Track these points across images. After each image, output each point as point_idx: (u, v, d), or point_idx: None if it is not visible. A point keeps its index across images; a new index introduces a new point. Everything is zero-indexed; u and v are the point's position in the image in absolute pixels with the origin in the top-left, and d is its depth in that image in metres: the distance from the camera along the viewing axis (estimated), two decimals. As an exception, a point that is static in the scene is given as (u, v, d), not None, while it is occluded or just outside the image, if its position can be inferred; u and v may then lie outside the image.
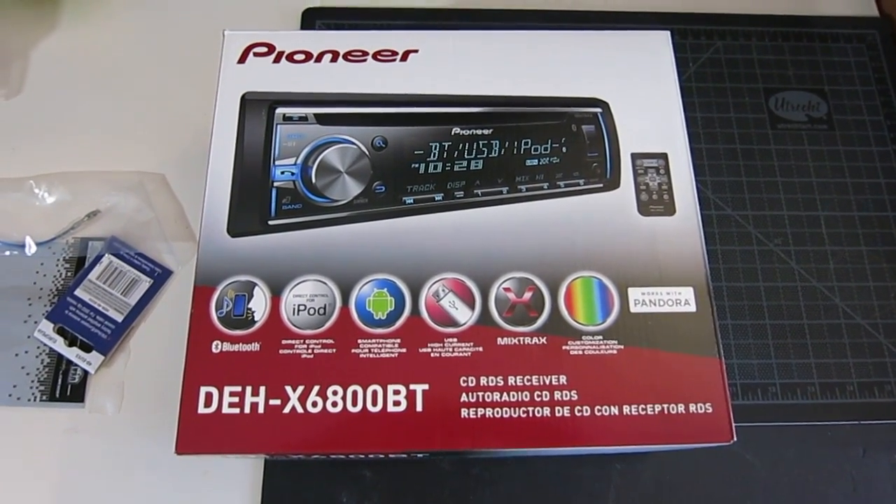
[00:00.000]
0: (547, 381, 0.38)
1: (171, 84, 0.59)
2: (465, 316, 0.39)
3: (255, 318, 0.39)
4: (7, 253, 0.52)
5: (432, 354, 0.38)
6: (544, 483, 0.48)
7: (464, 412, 0.38)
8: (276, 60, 0.44)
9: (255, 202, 0.41)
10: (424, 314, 0.39)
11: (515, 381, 0.38)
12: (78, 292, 0.51)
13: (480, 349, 0.39)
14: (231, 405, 0.37)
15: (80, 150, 0.56)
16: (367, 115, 0.43)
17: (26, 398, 0.49)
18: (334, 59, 0.45)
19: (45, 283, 0.52)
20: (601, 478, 0.48)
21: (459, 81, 0.44)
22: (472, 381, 0.38)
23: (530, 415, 0.38)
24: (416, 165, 0.42)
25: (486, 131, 0.43)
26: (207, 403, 0.37)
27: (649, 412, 0.38)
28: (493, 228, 0.41)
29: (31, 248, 0.52)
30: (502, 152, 0.43)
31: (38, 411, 0.49)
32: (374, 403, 0.38)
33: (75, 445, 0.48)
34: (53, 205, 0.54)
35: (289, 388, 0.38)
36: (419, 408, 0.38)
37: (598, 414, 0.38)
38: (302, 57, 0.44)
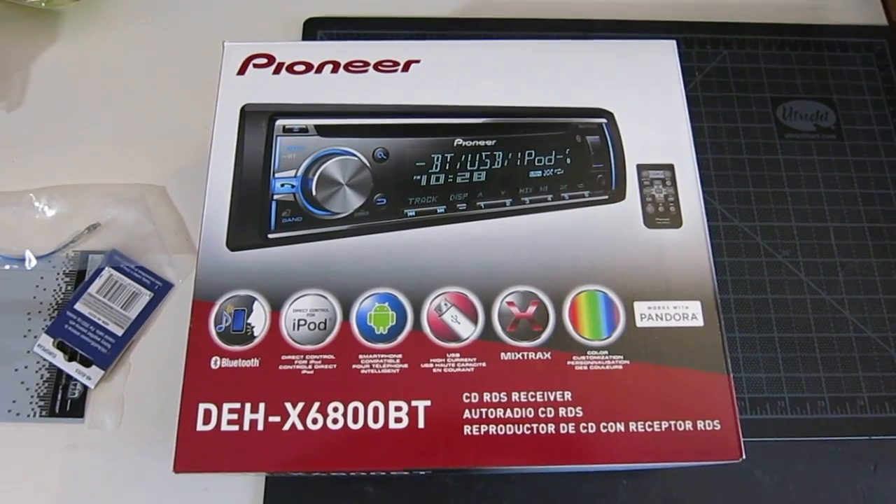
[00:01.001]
0: (551, 397, 0.38)
1: (172, 96, 0.59)
2: (467, 330, 0.39)
3: (255, 334, 0.38)
4: (7, 267, 0.52)
5: (434, 370, 0.38)
6: (550, 499, 0.47)
7: (467, 429, 0.37)
8: (276, 71, 0.44)
9: (254, 215, 0.41)
10: (426, 329, 0.39)
11: (519, 397, 0.38)
12: (78, 306, 0.50)
13: (483, 364, 0.38)
14: (230, 422, 0.37)
15: (80, 162, 0.56)
16: (368, 126, 0.43)
17: (26, 413, 0.48)
18: (335, 70, 0.44)
19: (45, 297, 0.51)
20: (607, 494, 0.47)
21: (462, 92, 0.44)
22: (475, 397, 0.37)
23: (534, 431, 0.37)
24: (418, 177, 0.42)
25: (489, 142, 0.43)
26: (206, 420, 0.37)
27: (656, 429, 0.37)
28: (497, 241, 0.41)
29: (30, 262, 0.52)
30: (505, 164, 0.43)
31: (37, 427, 0.48)
32: (376, 420, 0.37)
33: (75, 461, 0.48)
34: (53, 218, 0.54)
35: (289, 405, 0.37)
36: (421, 424, 0.37)
37: (604, 431, 0.37)
38: (302, 68, 0.44)
